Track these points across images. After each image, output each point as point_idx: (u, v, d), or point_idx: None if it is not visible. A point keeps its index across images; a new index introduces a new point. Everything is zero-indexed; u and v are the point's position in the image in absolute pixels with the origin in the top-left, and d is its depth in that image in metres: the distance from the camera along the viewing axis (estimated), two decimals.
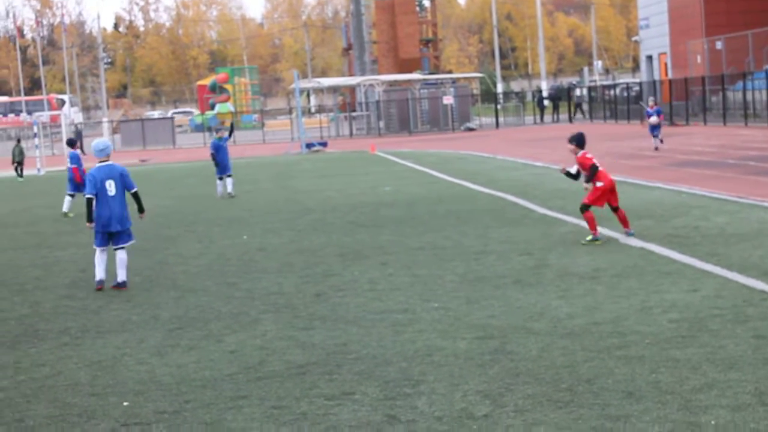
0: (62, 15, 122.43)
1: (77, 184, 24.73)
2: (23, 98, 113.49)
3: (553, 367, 8.89)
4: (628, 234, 16.11)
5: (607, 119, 67.43)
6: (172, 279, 14.84)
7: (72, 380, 9.44)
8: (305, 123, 62.36)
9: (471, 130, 69.04)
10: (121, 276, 14.18)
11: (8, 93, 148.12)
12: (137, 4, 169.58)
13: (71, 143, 26.77)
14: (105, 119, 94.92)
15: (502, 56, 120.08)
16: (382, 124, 72.66)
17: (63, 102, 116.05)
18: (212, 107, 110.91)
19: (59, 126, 75.08)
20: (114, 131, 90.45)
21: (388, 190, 27.58)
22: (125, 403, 8.56)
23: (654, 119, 37.56)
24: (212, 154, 28.86)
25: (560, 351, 9.41)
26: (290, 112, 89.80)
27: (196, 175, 40.30)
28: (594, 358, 9.09)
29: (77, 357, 10.32)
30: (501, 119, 74.05)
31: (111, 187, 14.17)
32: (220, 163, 28.58)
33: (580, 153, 16.10)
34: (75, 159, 25.47)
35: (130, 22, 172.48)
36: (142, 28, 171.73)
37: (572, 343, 9.69)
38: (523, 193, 24.16)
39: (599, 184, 15.89)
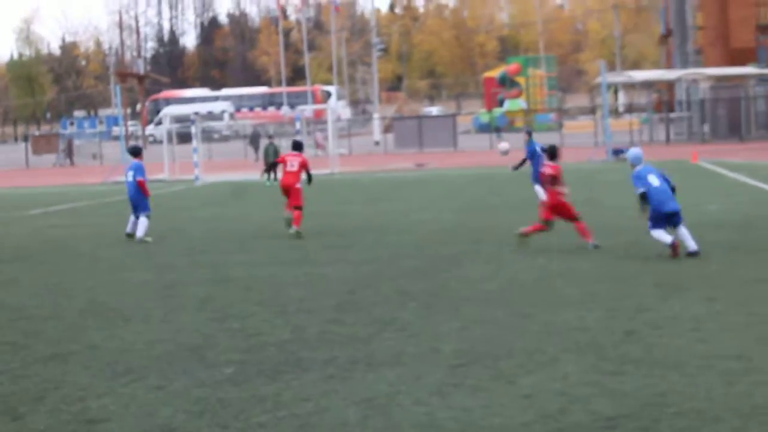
0: None
1: (145, 200, 25.41)
2: (284, 89, 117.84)
3: None
4: None
5: None
6: (455, 306, 14.99)
7: (340, 419, 9.65)
8: (612, 125, 61.98)
9: None
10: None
11: (268, 83, 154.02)
12: None
13: (135, 152, 26.32)
14: (376, 115, 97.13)
15: None
16: (706, 128, 71.39)
17: (329, 94, 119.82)
18: (501, 104, 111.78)
19: (324, 122, 77.27)
20: (386, 130, 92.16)
21: (714, 209, 27.02)
22: None
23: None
24: (525, 160, 30.28)
25: None
26: (594, 111, 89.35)
27: (482, 184, 40.67)
28: None
29: (345, 392, 10.56)
30: None
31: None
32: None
33: None
34: (141, 170, 25.57)
35: (408, 2, 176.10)
36: (421, 9, 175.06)
37: None
38: None
39: None
